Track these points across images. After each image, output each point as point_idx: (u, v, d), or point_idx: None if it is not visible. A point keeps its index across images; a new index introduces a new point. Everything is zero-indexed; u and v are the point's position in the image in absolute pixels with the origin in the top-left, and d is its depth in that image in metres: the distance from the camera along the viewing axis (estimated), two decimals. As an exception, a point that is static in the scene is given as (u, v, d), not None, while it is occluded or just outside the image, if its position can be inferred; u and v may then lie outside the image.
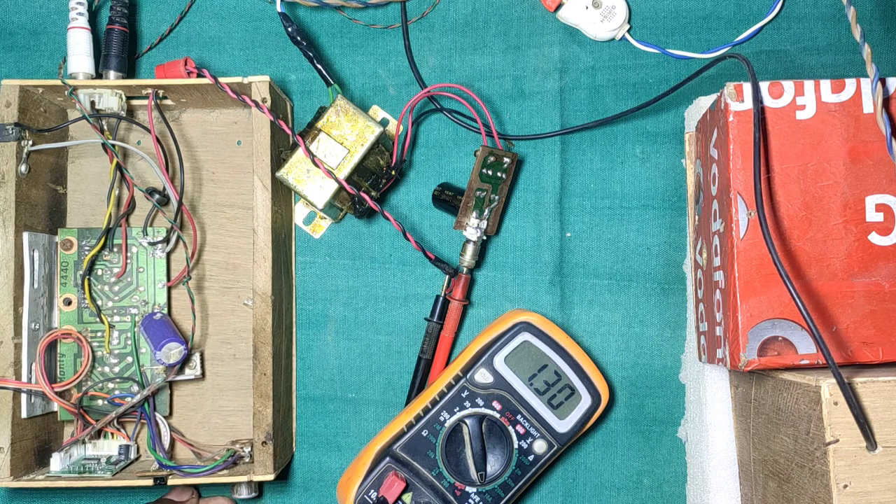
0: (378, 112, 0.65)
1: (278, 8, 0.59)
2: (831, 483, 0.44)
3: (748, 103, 0.51)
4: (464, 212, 0.61)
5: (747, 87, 0.51)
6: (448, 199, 0.63)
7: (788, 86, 0.51)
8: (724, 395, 0.59)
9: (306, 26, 0.66)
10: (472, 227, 0.61)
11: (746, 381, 0.56)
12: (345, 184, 0.56)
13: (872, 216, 0.51)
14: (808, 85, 0.51)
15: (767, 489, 0.53)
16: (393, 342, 0.64)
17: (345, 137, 0.57)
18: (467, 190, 0.61)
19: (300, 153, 0.57)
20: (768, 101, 0.51)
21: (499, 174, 0.61)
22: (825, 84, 0.51)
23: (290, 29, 0.59)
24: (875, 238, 0.51)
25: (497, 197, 0.61)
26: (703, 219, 0.58)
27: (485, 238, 0.63)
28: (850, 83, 0.51)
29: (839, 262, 0.50)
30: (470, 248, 0.62)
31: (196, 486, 0.60)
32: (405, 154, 0.63)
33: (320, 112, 0.58)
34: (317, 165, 0.56)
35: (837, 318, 0.50)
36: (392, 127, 0.65)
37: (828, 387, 0.44)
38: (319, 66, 0.59)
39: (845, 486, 0.44)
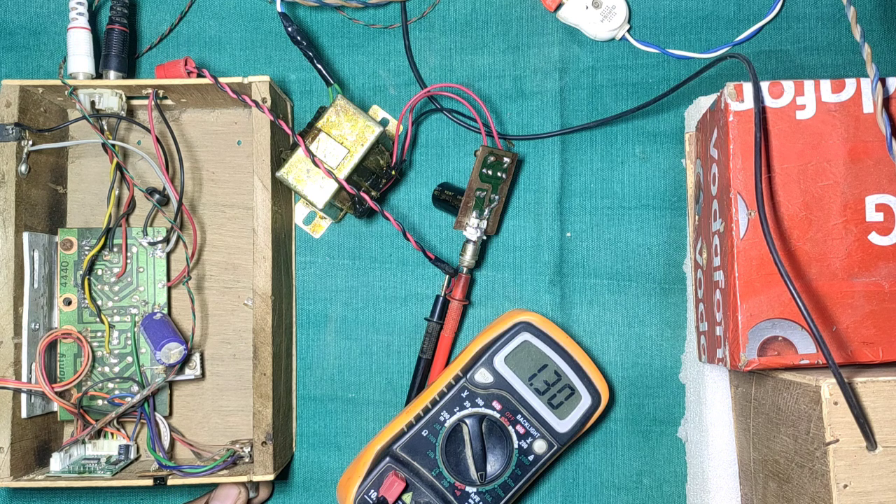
0: (378, 112, 0.65)
1: (278, 8, 0.59)
2: (831, 483, 0.44)
3: (748, 103, 0.51)
4: (464, 212, 0.61)
5: (747, 87, 0.51)
6: (448, 198, 0.63)
7: (788, 86, 0.51)
8: (724, 395, 0.59)
9: (306, 26, 0.66)
10: (472, 227, 0.61)
11: (746, 381, 0.56)
12: (345, 184, 0.56)
13: (872, 216, 0.51)
14: (808, 85, 0.51)
15: (767, 489, 0.53)
16: (393, 342, 0.64)
17: (345, 137, 0.57)
18: (467, 190, 0.61)
19: (300, 153, 0.57)
20: (768, 101, 0.51)
21: (499, 174, 0.61)
22: (825, 84, 0.51)
23: (290, 29, 0.59)
24: (875, 238, 0.51)
25: (497, 197, 0.61)
26: (703, 219, 0.58)
27: (485, 238, 0.63)
28: (850, 83, 0.51)
29: (839, 262, 0.50)
30: (470, 248, 0.62)
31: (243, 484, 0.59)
32: (405, 154, 0.63)
33: (320, 112, 0.58)
34: (317, 165, 0.56)
35: (837, 318, 0.50)
36: (392, 127, 0.65)
37: (828, 387, 0.44)
38: (319, 66, 0.59)
39: (845, 486, 0.44)
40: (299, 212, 0.64)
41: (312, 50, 0.60)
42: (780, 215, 0.51)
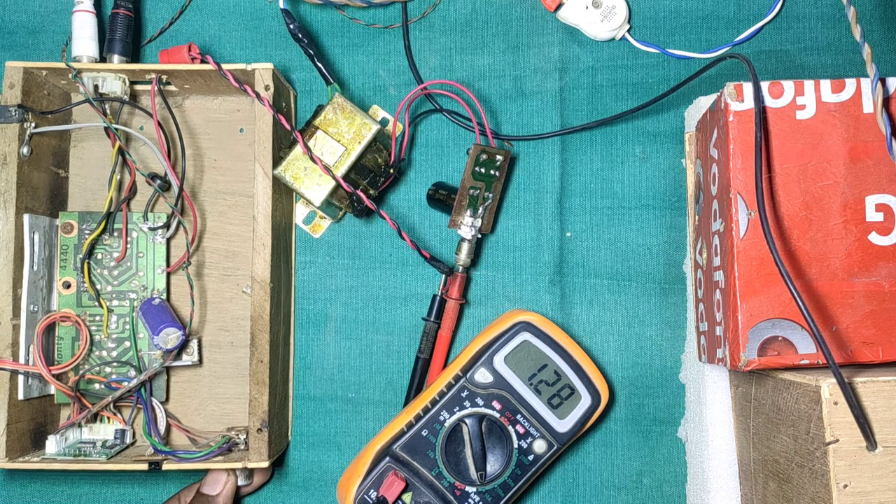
0: (378, 112, 0.65)
1: (280, 4, 0.58)
2: (831, 483, 0.44)
3: (748, 103, 0.51)
4: (458, 210, 0.61)
5: (747, 87, 0.51)
6: (442, 198, 0.63)
7: (788, 86, 0.51)
8: (724, 395, 0.59)
9: (307, 25, 0.65)
10: (467, 226, 0.61)
11: (746, 380, 0.56)
12: (341, 181, 0.56)
13: (872, 216, 0.51)
14: (808, 85, 0.51)
15: (767, 489, 0.53)
16: (393, 342, 0.64)
17: (342, 135, 0.57)
18: (460, 188, 0.61)
19: (298, 151, 0.57)
20: (768, 101, 0.51)
21: (492, 172, 0.61)
22: (825, 84, 0.51)
23: (291, 26, 0.59)
24: (875, 238, 0.51)
25: (491, 195, 0.61)
26: (703, 219, 0.58)
27: (479, 236, 0.62)
28: (850, 83, 0.51)
29: (839, 261, 0.50)
30: (465, 247, 0.62)
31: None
32: (403, 152, 0.63)
33: (318, 110, 0.58)
34: (314, 161, 0.56)
35: (837, 318, 0.50)
36: (391, 126, 0.65)
37: (828, 386, 0.44)
38: (320, 65, 0.59)
39: (845, 486, 0.44)
40: (299, 212, 0.64)
41: (313, 48, 0.59)
42: (780, 215, 0.51)
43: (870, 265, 0.50)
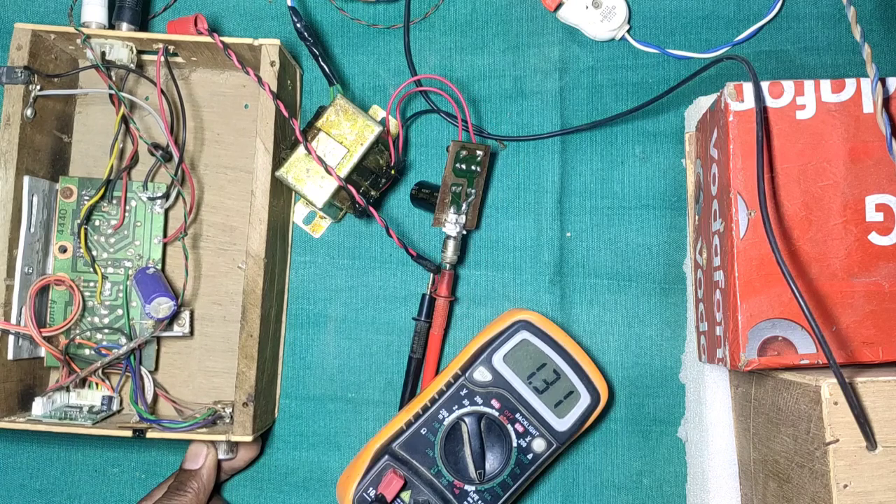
0: (378, 112, 0.65)
1: (288, 2, 0.58)
2: (831, 483, 0.44)
3: (748, 103, 0.51)
4: (440, 208, 0.61)
5: (747, 87, 0.51)
6: (425, 196, 0.62)
7: (788, 86, 0.51)
8: (724, 395, 0.59)
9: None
10: (451, 223, 0.61)
11: (746, 380, 0.56)
12: (343, 183, 0.56)
13: (872, 216, 0.51)
14: (808, 85, 0.51)
15: (767, 489, 0.53)
16: (392, 342, 0.64)
17: (344, 137, 0.57)
18: (442, 186, 0.61)
19: (300, 152, 0.57)
20: (768, 101, 0.51)
21: (473, 167, 0.61)
22: (825, 84, 0.51)
23: (298, 25, 0.58)
24: (875, 238, 0.51)
25: (474, 191, 0.61)
26: (703, 219, 0.58)
27: (465, 233, 0.62)
28: (850, 83, 0.51)
29: (839, 262, 0.50)
30: (451, 244, 0.61)
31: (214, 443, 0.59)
32: (401, 152, 0.62)
33: (320, 111, 0.58)
34: (325, 167, 0.55)
35: (837, 318, 0.50)
36: (391, 126, 0.65)
37: (828, 386, 0.44)
38: (324, 65, 0.59)
39: (845, 486, 0.44)
40: (299, 211, 0.64)
41: (318, 47, 0.59)
42: (781, 215, 0.51)
43: (870, 265, 0.50)
